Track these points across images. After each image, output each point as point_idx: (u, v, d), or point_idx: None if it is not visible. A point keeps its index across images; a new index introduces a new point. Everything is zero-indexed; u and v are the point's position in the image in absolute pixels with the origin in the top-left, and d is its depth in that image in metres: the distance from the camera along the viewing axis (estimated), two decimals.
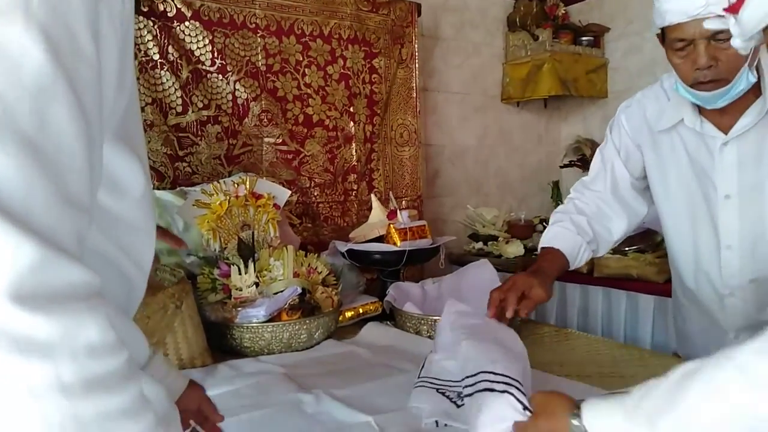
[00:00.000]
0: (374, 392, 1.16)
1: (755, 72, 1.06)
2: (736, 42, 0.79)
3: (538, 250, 1.34)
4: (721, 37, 1.01)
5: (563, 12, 2.92)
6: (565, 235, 1.30)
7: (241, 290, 1.54)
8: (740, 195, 1.16)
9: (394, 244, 1.77)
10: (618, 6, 2.85)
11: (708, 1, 0.98)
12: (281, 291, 1.54)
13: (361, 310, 1.77)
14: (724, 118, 1.14)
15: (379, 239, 1.85)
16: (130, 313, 0.62)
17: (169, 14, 1.77)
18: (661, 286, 1.90)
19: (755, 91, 1.10)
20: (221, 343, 1.48)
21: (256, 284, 1.55)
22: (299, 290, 1.54)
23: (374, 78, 2.23)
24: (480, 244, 2.49)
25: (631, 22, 2.80)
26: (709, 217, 1.21)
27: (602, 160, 1.37)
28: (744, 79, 1.05)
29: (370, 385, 1.21)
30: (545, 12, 2.87)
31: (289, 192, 1.80)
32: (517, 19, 2.83)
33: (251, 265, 1.56)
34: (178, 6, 1.78)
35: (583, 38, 2.84)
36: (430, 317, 1.52)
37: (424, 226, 1.83)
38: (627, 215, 1.35)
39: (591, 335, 1.56)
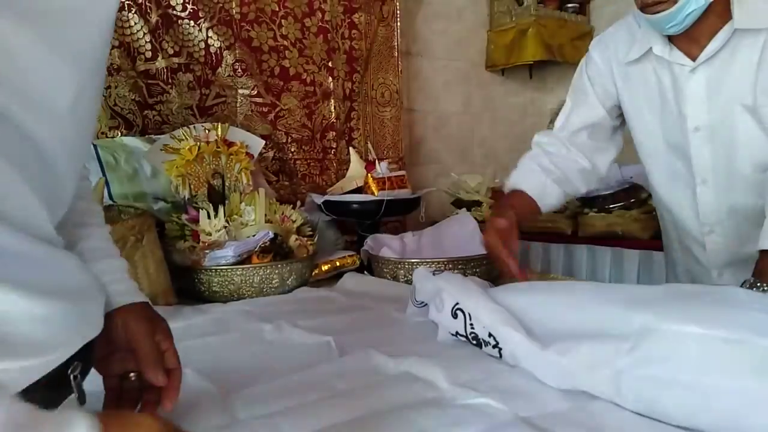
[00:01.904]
0: (340, 323, 1.10)
1: None
2: None
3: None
4: None
5: None
6: (529, 176, 1.24)
7: (210, 235, 1.47)
8: (711, 126, 1.10)
9: (372, 193, 1.71)
10: None
11: None
12: (253, 235, 1.48)
13: (338, 263, 1.70)
14: (693, 44, 1.08)
15: (358, 191, 1.79)
16: (55, 211, 0.53)
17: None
18: (646, 242, 1.85)
19: (725, 14, 1.04)
20: (190, 290, 1.41)
21: (226, 229, 1.49)
22: (271, 234, 1.48)
23: (354, 34, 2.16)
24: (464, 210, 2.43)
25: None
26: (684, 150, 1.15)
27: (574, 96, 1.30)
28: (693, 1, 0.99)
29: (336, 318, 1.15)
30: None
31: (263, 141, 1.74)
32: None
33: (221, 210, 1.49)
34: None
35: (569, 5, 2.80)
36: (407, 260, 1.46)
37: (404, 176, 1.77)
38: (607, 149, 1.30)
39: (576, 279, 1.51)
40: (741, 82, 1.04)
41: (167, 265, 1.38)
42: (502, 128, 2.94)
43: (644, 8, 1.03)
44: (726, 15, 1.03)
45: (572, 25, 2.78)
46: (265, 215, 1.52)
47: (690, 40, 1.07)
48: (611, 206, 1.99)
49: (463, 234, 1.67)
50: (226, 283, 1.39)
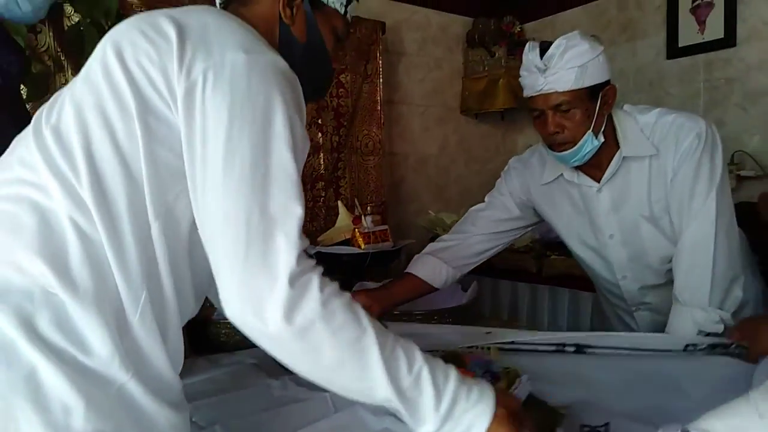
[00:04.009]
0: None
1: (602, 136, 1.24)
2: None
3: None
4: (564, 107, 1.20)
5: (519, 30, 3.13)
6: (427, 260, 1.48)
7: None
8: (621, 233, 1.33)
9: (359, 246, 1.94)
10: (568, 26, 3.07)
11: (547, 80, 1.17)
12: None
13: None
14: (595, 169, 1.31)
15: (346, 242, 2.01)
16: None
17: None
18: None
19: (616, 145, 1.28)
20: (200, 341, 1.61)
21: None
22: None
23: (341, 92, 2.39)
24: None
25: None
26: (603, 253, 1.39)
27: (491, 198, 1.54)
28: (589, 143, 1.22)
29: None
30: (502, 29, 3.07)
31: None
32: (476, 36, 3.03)
33: None
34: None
35: None
36: (393, 312, 1.68)
37: (386, 230, 2.00)
38: (506, 238, 1.53)
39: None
40: (638, 197, 1.28)
41: None
42: (476, 166, 3.18)
43: (551, 147, 1.27)
44: (616, 146, 1.28)
45: None
46: None
47: (592, 166, 1.30)
48: None
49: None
50: (233, 333, 1.60)
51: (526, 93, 1.25)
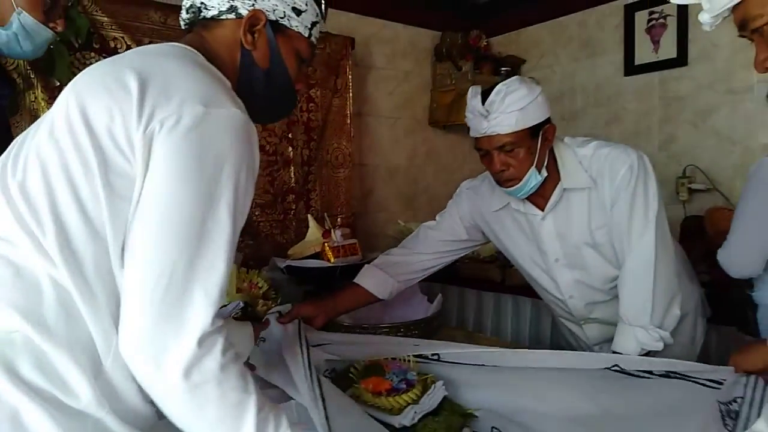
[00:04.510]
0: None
1: (545, 171, 1.34)
2: (704, 17, 0.81)
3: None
4: (507, 148, 1.30)
5: (485, 43, 3.22)
6: (374, 273, 1.58)
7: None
8: (566, 257, 1.44)
9: (329, 260, 1.99)
10: (532, 40, 3.17)
11: (490, 124, 1.27)
12: (226, 305, 1.73)
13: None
14: (539, 199, 1.42)
15: (316, 255, 2.07)
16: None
17: (119, 50, 1.92)
18: None
19: (557, 177, 1.38)
20: None
21: None
22: (241, 304, 1.73)
23: (311, 107, 2.44)
24: None
25: (543, 56, 3.13)
26: (550, 275, 1.49)
27: (441, 218, 1.65)
28: (534, 178, 1.33)
29: None
30: (469, 43, 3.16)
31: None
32: (444, 50, 3.11)
33: None
34: (128, 43, 1.94)
35: (502, 69, 3.15)
36: (362, 325, 1.74)
37: (355, 243, 2.06)
38: (439, 257, 1.63)
39: (489, 338, 1.84)
40: (580, 225, 1.39)
41: None
42: (444, 176, 3.26)
43: (498, 183, 1.37)
44: (558, 178, 1.38)
45: None
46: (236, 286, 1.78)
47: (537, 197, 1.41)
48: None
49: (406, 293, 1.97)
50: None
51: (472, 134, 1.34)
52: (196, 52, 0.82)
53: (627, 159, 1.32)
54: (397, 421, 1.03)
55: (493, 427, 1.00)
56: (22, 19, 1.16)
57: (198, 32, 0.89)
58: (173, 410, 0.68)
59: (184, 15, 0.91)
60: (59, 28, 1.25)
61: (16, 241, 0.69)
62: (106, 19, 1.91)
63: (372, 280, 1.57)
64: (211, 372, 0.66)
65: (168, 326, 0.65)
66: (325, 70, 2.47)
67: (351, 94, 2.59)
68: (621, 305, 1.32)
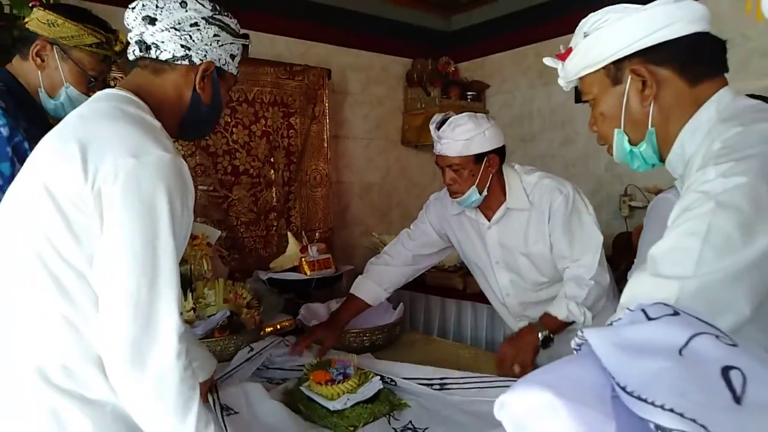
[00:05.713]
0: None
1: (486, 191, 1.62)
2: (561, 81, 1.03)
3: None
4: (455, 168, 1.59)
5: (453, 69, 3.51)
6: (367, 284, 1.88)
7: (182, 314, 1.97)
8: (504, 261, 1.73)
9: (305, 273, 2.25)
10: (495, 67, 3.46)
11: (442, 146, 1.57)
12: (214, 314, 1.98)
13: (278, 327, 2.23)
14: (488, 210, 1.72)
15: (294, 269, 2.32)
16: None
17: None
18: None
19: (503, 196, 1.67)
20: None
21: (194, 309, 1.99)
22: (228, 313, 1.98)
23: (291, 133, 2.70)
24: None
25: (505, 81, 3.41)
26: (492, 273, 1.78)
27: (415, 227, 1.94)
28: (473, 195, 1.61)
29: None
30: (438, 70, 3.44)
31: (219, 232, 2.24)
32: (414, 76, 3.38)
33: (189, 294, 1.99)
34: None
35: (468, 93, 3.44)
36: None
37: (329, 258, 2.32)
38: (431, 257, 1.93)
39: (444, 340, 2.11)
40: (518, 238, 1.68)
41: None
42: (416, 191, 3.54)
43: (449, 194, 1.67)
44: (504, 197, 1.67)
45: (471, 110, 3.38)
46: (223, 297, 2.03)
47: (486, 208, 1.71)
48: None
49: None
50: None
51: (434, 151, 1.64)
52: (131, 97, 0.98)
53: (564, 190, 1.61)
54: (331, 405, 1.30)
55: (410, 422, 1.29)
56: (69, 92, 1.41)
57: (145, 74, 1.03)
58: (140, 400, 0.88)
59: (133, 50, 1.04)
60: None
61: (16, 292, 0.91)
62: None
63: (367, 291, 1.88)
64: (178, 368, 0.87)
65: (147, 336, 0.84)
66: (303, 100, 2.73)
67: (328, 120, 2.85)
68: (564, 287, 1.58)
